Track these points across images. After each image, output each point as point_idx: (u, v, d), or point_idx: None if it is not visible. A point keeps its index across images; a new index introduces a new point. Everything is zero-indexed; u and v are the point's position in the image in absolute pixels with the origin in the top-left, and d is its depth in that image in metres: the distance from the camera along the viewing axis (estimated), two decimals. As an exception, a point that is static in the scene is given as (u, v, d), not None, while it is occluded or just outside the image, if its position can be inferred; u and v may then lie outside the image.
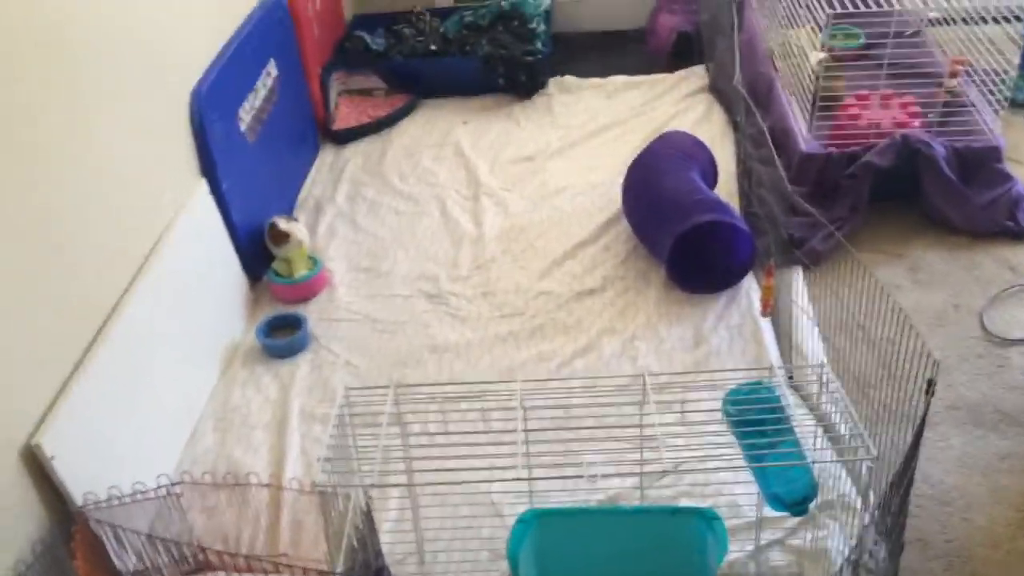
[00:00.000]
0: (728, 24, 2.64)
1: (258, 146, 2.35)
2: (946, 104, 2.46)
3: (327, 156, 2.85)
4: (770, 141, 1.99)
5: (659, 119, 2.88)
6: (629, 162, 2.41)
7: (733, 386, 1.41)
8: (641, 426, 1.44)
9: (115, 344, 1.65)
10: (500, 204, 2.55)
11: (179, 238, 1.93)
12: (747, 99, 2.03)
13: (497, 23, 3.26)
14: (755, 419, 1.30)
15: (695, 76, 3.08)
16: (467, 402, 1.47)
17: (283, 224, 2.25)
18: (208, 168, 2.07)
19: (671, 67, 3.16)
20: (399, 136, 2.93)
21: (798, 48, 2.54)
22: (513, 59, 3.01)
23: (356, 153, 2.86)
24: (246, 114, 2.30)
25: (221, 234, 2.12)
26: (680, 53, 3.18)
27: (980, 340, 1.99)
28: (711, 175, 2.37)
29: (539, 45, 3.08)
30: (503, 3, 3.30)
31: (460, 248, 2.39)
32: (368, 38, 3.25)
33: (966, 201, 2.26)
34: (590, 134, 2.86)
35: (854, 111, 2.44)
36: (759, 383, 1.37)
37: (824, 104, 2.39)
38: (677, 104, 2.95)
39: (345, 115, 3.01)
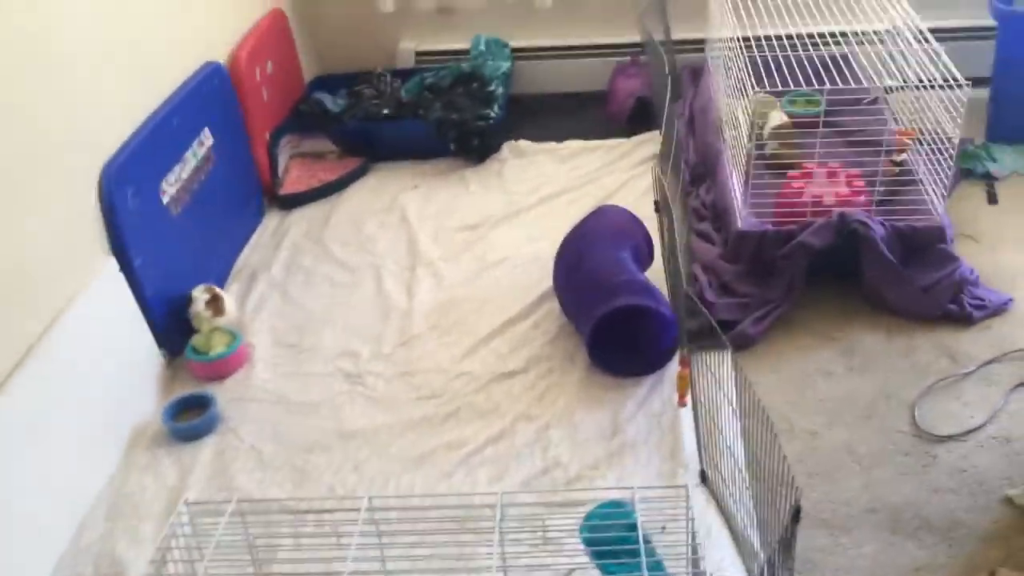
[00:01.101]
0: (663, 94, 2.59)
1: (184, 218, 2.31)
2: (893, 179, 2.39)
3: (271, 222, 2.82)
4: (686, 222, 1.93)
5: (610, 186, 2.83)
6: (573, 231, 2.35)
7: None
8: (497, 550, 1.36)
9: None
10: (436, 275, 2.50)
11: (78, 319, 1.88)
12: (661, 179, 1.97)
13: (457, 85, 3.23)
14: (610, 545, 1.21)
15: (652, 142, 3.03)
16: (317, 518, 1.40)
17: (195, 291, 2.22)
18: (118, 245, 2.04)
19: (630, 131, 3.11)
20: (347, 201, 2.90)
21: (743, 117, 2.47)
22: (464, 123, 2.97)
23: (301, 219, 2.83)
24: (170, 186, 2.27)
25: (131, 312, 2.08)
26: (639, 117, 3.13)
27: (909, 435, 1.90)
28: (646, 254, 2.30)
29: (494, 109, 3.05)
30: (463, 65, 3.28)
31: (388, 323, 2.34)
32: (330, 99, 3.24)
33: (906, 283, 2.17)
34: (539, 201, 2.80)
35: (797, 185, 2.37)
36: (619, 503, 1.29)
37: (759, 179, 2.32)
38: (630, 170, 2.89)
39: (295, 179, 2.99)
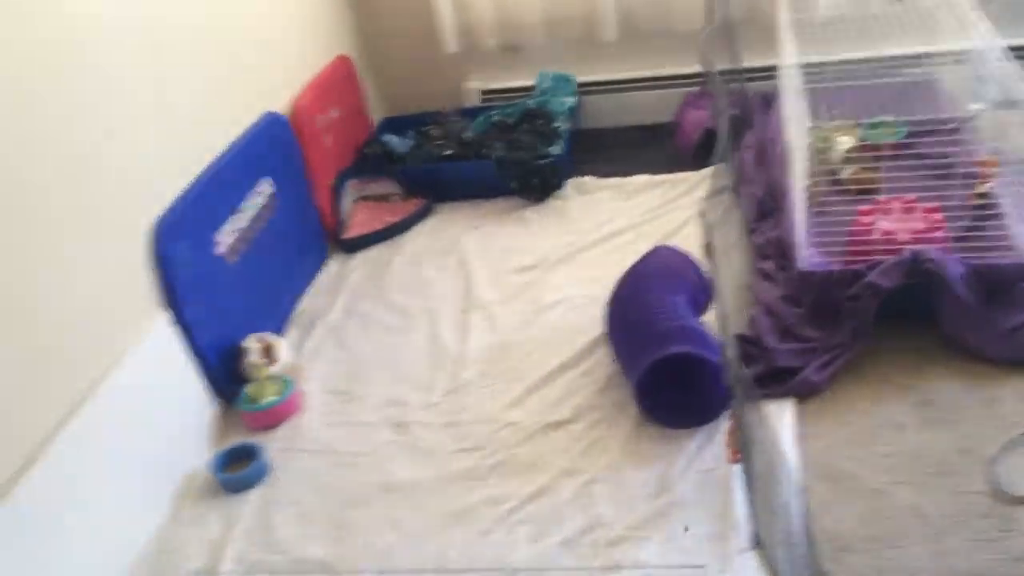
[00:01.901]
0: (726, 124, 2.50)
1: (240, 267, 2.35)
2: (975, 212, 2.21)
3: (334, 266, 2.84)
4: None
5: (675, 222, 2.73)
6: (633, 272, 2.28)
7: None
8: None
9: (33, 491, 1.64)
10: (490, 319, 2.46)
11: (130, 372, 1.93)
12: (708, 221, 1.87)
13: (523, 122, 3.21)
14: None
15: (720, 175, 2.91)
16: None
17: (247, 342, 2.25)
18: (170, 298, 2.08)
19: (697, 164, 3.01)
20: (409, 243, 2.90)
21: (816, 144, 2.35)
22: (524, 163, 2.94)
23: (363, 262, 2.84)
24: (227, 236, 2.31)
25: (184, 364, 2.11)
26: (708, 149, 3.02)
27: (987, 496, 1.73)
28: (703, 297, 2.20)
29: (558, 146, 3.00)
30: (529, 102, 3.25)
31: (439, 369, 2.31)
32: (398, 140, 3.27)
33: (988, 326, 1.99)
34: (601, 239, 2.73)
35: (867, 220, 2.23)
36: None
37: (826, 214, 2.19)
38: (695, 206, 2.79)
39: (359, 222, 3.01)
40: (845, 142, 2.57)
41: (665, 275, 2.16)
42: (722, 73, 3.01)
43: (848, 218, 2.28)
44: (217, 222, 2.28)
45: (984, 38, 2.32)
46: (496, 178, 2.99)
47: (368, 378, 2.32)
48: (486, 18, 3.20)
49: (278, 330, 2.51)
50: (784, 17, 2.74)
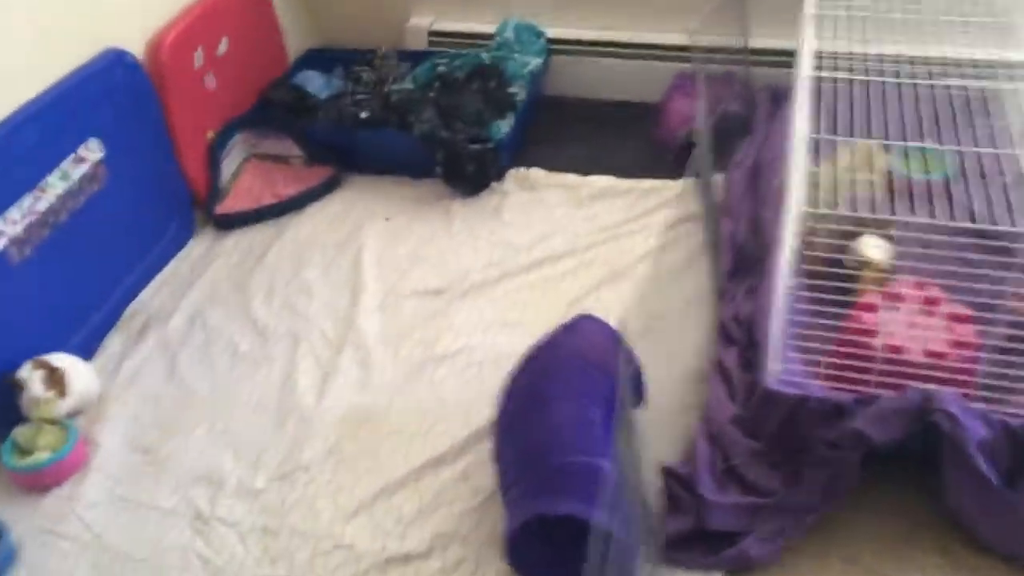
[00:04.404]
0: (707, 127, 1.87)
1: (34, 264, 1.77)
2: (1015, 337, 1.60)
3: (197, 249, 2.25)
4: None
5: (632, 252, 2.13)
6: (563, 318, 1.70)
7: None
8: None
9: None
10: (364, 365, 1.89)
11: None
12: (620, 382, 1.28)
13: (473, 79, 2.55)
14: None
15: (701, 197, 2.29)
16: None
17: (23, 371, 1.69)
18: None
19: (678, 169, 2.37)
20: (300, 225, 2.30)
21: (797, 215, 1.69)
22: (455, 144, 2.30)
23: (236, 247, 2.25)
24: (11, 225, 1.72)
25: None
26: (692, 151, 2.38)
27: None
28: (634, 395, 1.62)
29: (505, 125, 2.38)
30: (483, 55, 2.59)
31: (280, 433, 1.75)
32: (317, 79, 2.63)
33: (1008, 512, 1.43)
34: (533, 263, 2.13)
35: (867, 321, 1.62)
36: None
37: (812, 306, 1.58)
38: (663, 234, 2.18)
39: (243, 191, 2.39)
40: (870, 247, 1.83)
41: (581, 369, 1.57)
42: (723, 51, 2.35)
43: (844, 309, 1.65)
44: (-3, 206, 1.69)
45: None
46: (422, 154, 2.36)
47: (184, 431, 1.77)
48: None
49: (99, 334, 1.95)
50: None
